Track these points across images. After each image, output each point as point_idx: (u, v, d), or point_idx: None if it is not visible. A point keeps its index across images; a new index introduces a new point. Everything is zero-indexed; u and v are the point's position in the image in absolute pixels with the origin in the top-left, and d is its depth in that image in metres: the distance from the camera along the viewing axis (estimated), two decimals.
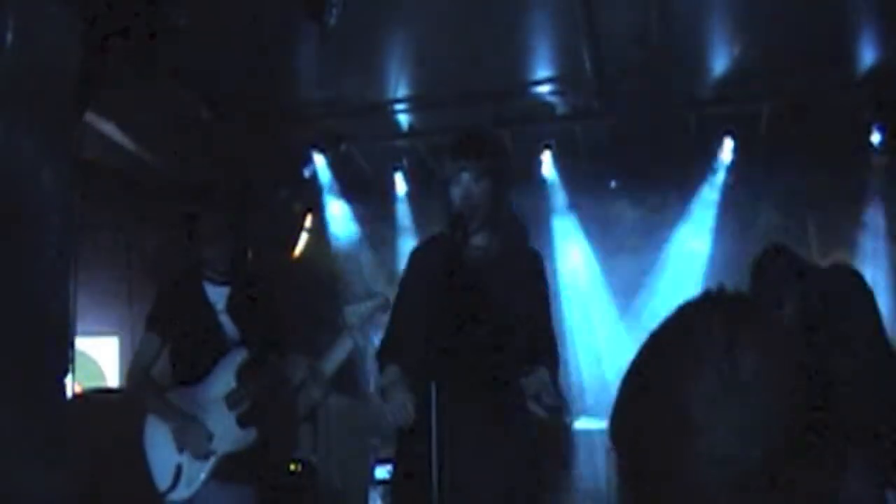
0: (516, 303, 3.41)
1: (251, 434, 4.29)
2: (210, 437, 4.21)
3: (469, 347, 3.25)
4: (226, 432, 4.25)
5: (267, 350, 4.45)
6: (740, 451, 1.07)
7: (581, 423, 6.24)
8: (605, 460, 5.73)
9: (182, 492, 4.15)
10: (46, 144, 2.87)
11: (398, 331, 3.59)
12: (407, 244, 7.10)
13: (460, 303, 3.14)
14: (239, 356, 4.33)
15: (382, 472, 6.75)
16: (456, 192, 3.40)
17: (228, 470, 4.23)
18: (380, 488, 6.66)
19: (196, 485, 4.17)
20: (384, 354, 3.56)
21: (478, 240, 3.46)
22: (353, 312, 4.25)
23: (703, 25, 5.47)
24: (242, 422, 4.28)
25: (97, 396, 5.94)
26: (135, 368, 4.40)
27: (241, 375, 4.31)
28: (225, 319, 4.38)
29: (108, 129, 5.37)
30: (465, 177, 3.39)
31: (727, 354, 1.10)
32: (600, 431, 5.80)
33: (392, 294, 4.02)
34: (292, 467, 5.76)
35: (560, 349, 3.60)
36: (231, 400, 4.27)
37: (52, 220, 2.90)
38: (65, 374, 2.97)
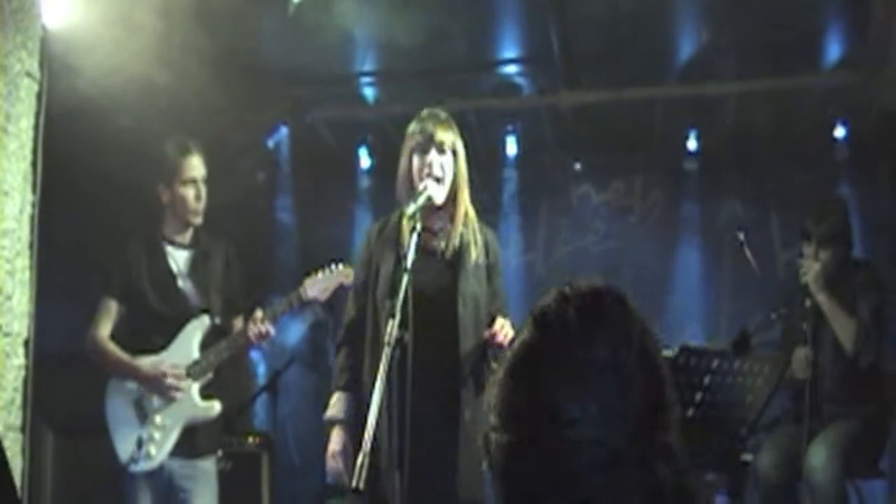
0: (472, 298, 3.37)
1: (214, 407, 4.25)
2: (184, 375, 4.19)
3: (426, 336, 3.17)
4: (188, 404, 4.21)
5: (229, 318, 4.41)
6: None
7: None
8: None
9: (143, 464, 4.11)
10: None
11: (358, 315, 3.52)
12: (368, 218, 7.06)
13: (418, 290, 3.12)
14: (201, 325, 4.29)
15: None
16: (418, 162, 3.36)
17: (190, 443, 4.20)
18: None
19: (158, 457, 4.13)
20: (342, 344, 3.53)
21: (436, 226, 3.43)
22: (313, 284, 4.21)
23: (670, 10, 5.45)
24: (204, 394, 4.25)
25: None
26: (93, 335, 4.26)
27: (203, 345, 4.27)
28: (186, 285, 4.33)
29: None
30: (432, 148, 3.35)
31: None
32: None
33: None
34: (251, 440, 5.70)
35: None
36: (193, 371, 4.22)
37: None
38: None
